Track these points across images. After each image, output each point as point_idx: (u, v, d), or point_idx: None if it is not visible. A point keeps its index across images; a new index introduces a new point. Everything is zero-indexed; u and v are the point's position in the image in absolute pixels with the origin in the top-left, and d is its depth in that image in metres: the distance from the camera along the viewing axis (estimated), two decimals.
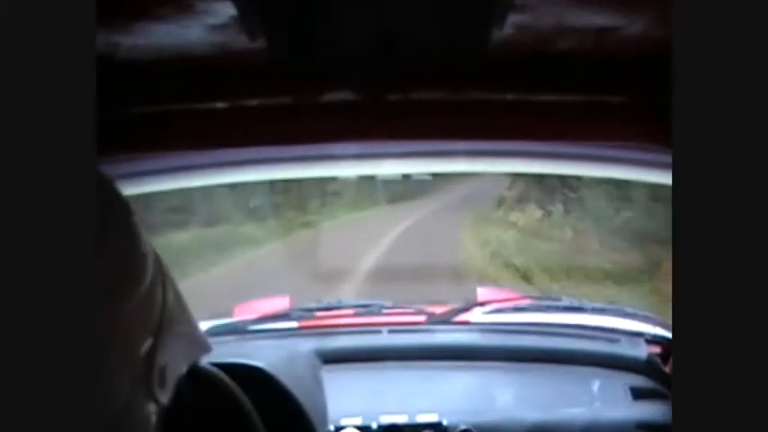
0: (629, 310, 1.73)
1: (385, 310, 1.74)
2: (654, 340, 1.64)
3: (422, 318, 1.72)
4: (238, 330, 1.67)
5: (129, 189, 1.18)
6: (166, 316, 0.64)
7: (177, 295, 0.68)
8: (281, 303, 1.82)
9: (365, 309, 1.75)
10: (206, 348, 0.76)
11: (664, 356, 1.59)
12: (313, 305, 1.77)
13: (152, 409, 0.65)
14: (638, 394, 1.52)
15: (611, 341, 1.66)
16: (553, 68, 1.00)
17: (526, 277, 6.93)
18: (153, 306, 0.62)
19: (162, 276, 0.64)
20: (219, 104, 1.03)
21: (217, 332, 1.65)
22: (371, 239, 8.51)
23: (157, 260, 0.64)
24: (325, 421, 1.42)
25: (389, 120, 1.04)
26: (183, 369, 0.70)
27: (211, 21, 0.84)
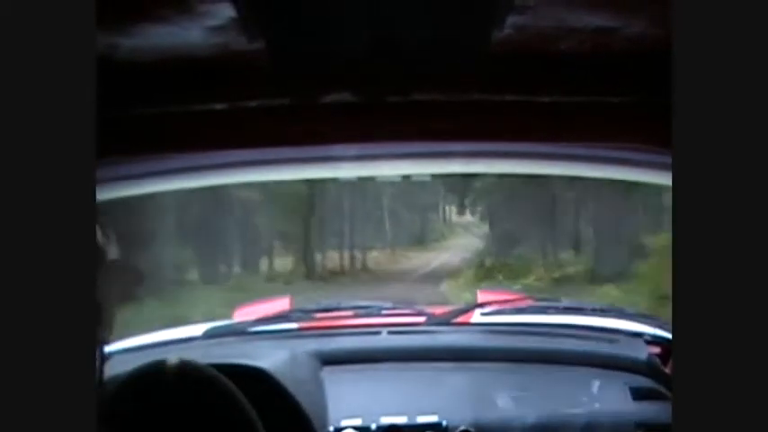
0: (628, 310, 1.73)
1: (384, 312, 1.73)
2: (653, 341, 1.63)
3: (421, 319, 1.72)
4: (238, 332, 1.67)
5: (130, 190, 1.18)
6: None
7: (105, 234, 0.70)
8: (281, 305, 1.81)
9: (364, 310, 1.74)
10: (141, 278, 0.77)
11: (663, 357, 1.59)
12: (312, 306, 1.77)
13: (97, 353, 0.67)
14: (637, 395, 1.52)
15: (611, 342, 1.65)
16: (553, 69, 1.00)
17: None
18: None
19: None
20: (219, 106, 1.03)
21: (217, 333, 1.65)
22: None
23: None
24: (324, 422, 1.42)
25: (389, 121, 1.04)
26: (118, 302, 0.73)
27: (211, 22, 0.84)
